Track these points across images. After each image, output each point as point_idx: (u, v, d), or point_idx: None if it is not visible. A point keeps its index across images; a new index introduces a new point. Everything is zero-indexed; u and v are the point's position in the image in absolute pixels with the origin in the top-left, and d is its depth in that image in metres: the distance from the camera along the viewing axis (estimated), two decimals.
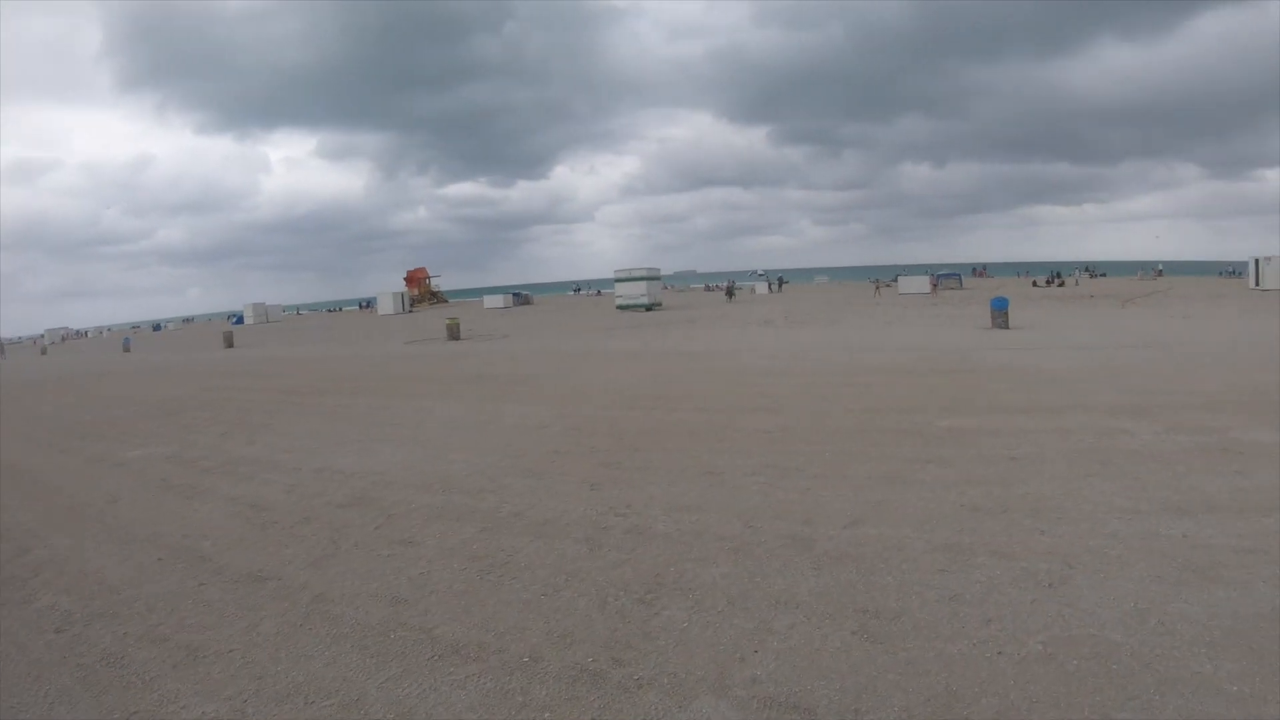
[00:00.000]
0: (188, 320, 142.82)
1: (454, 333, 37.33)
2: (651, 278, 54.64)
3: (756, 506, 7.17)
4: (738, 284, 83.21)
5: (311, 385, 20.54)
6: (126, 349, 54.54)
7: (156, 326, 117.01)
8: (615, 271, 55.72)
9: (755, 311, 44.40)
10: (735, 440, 10.08)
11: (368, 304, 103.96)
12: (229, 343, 46.44)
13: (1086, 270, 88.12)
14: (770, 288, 76.80)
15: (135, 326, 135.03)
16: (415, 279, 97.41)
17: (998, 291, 46.10)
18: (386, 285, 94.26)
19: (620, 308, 52.80)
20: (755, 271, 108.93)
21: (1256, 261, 48.78)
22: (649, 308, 51.70)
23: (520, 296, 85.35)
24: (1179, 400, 11.40)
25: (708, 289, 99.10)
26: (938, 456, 8.65)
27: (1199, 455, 8.19)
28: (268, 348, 41.46)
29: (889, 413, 11.33)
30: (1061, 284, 63.92)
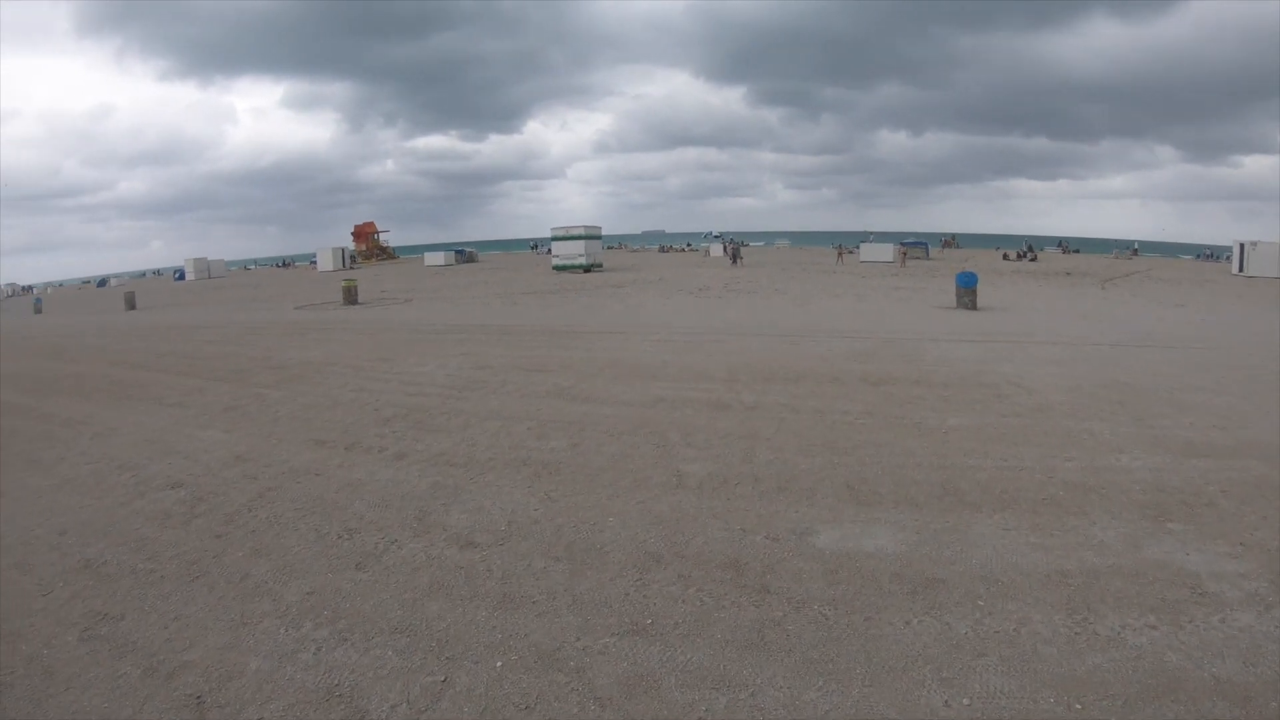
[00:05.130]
0: (141, 275, 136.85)
1: (350, 296, 34.03)
2: (591, 236, 50.54)
3: None
4: (691, 245, 77.42)
5: (99, 374, 16.06)
6: (38, 310, 51.10)
7: (102, 282, 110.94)
8: (552, 230, 51.45)
9: (696, 277, 39.68)
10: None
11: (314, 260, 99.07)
12: (130, 304, 43.77)
13: (1060, 245, 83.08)
14: (725, 250, 70.27)
15: (86, 282, 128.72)
16: (363, 234, 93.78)
17: (966, 264, 41.68)
18: (345, 240, 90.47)
19: (556, 268, 48.98)
20: (710, 233, 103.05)
21: (1241, 246, 45.23)
22: (587, 269, 47.98)
23: (464, 254, 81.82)
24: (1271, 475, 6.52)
25: (662, 250, 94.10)
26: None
27: None
28: (164, 311, 38.21)
29: (737, 495, 6.43)
30: (1034, 258, 59.16)
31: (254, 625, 4.64)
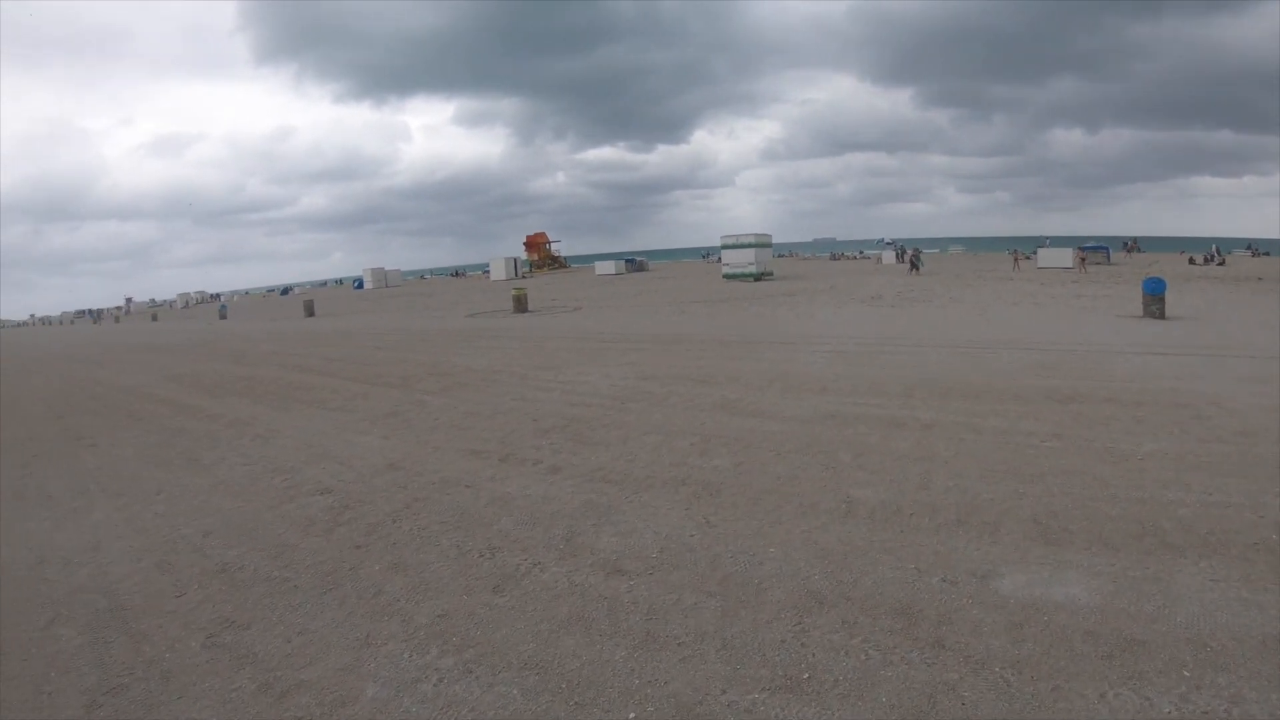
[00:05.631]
0: (322, 284, 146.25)
1: (520, 304, 35.15)
2: (761, 244, 50.16)
3: None
4: (864, 252, 74.84)
5: (270, 378, 16.98)
6: (222, 316, 55.52)
7: (285, 291, 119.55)
8: (722, 238, 51.73)
9: (868, 285, 38.39)
10: None
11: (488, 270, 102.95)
12: (310, 312, 47.35)
13: (1249, 248, 75.15)
14: (898, 258, 67.67)
15: (270, 290, 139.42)
16: (535, 244, 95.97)
17: (1151, 269, 38.53)
18: (517, 250, 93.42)
19: (727, 277, 48.75)
20: (882, 240, 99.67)
21: None
22: (757, 277, 47.42)
23: (634, 263, 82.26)
24: None
25: (833, 257, 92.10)
26: None
27: None
28: (340, 318, 40.42)
29: (911, 526, 5.88)
30: (1222, 263, 53.61)
31: (378, 647, 4.54)
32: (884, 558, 5.21)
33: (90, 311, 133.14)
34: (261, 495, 7.85)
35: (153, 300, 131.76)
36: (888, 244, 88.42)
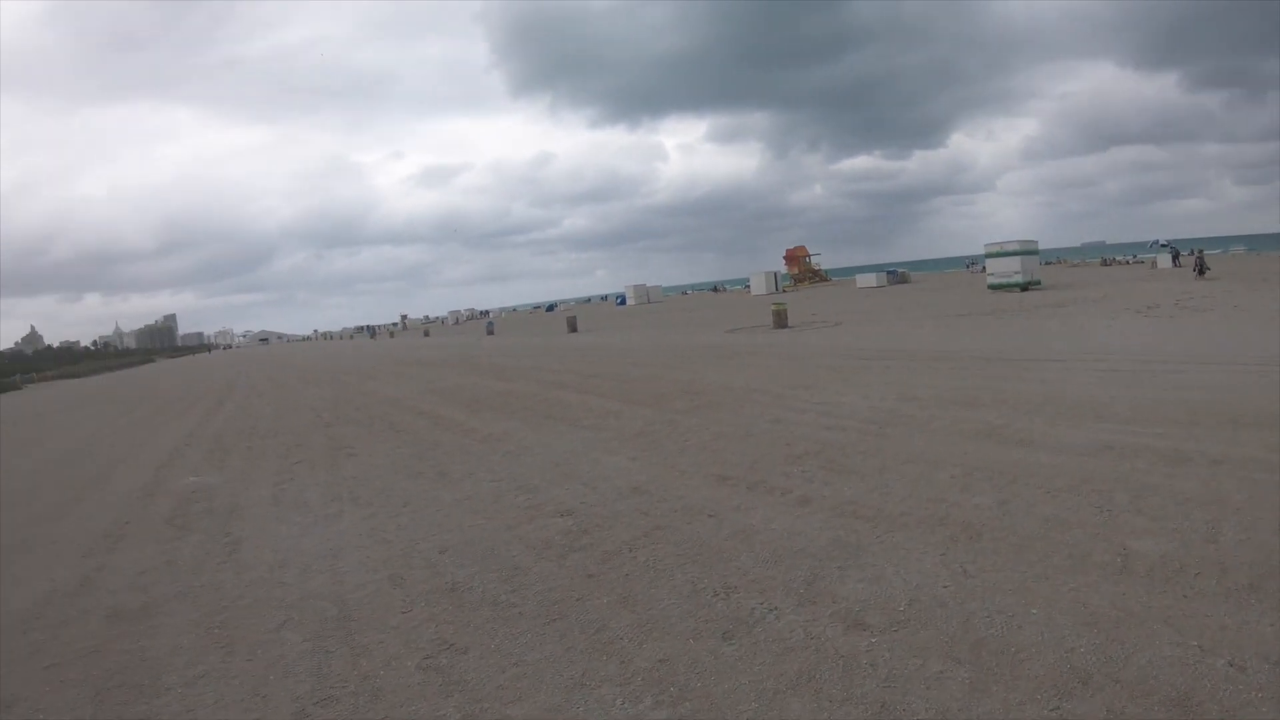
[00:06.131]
0: (586, 300, 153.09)
1: (780, 320, 35.18)
2: (1027, 252, 47.67)
3: None
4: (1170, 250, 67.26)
5: (526, 394, 17.83)
6: (490, 331, 58.56)
7: (550, 307, 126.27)
8: (985, 246, 49.69)
9: (1144, 292, 35.52)
10: None
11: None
12: (572, 328, 48.65)
13: None
14: (1175, 261, 60.94)
15: (536, 307, 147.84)
16: (794, 257, 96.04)
17: None
18: (777, 264, 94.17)
19: (992, 287, 46.64)
20: (1156, 242, 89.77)
21: None
22: (1024, 286, 44.98)
23: (895, 274, 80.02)
24: None
25: (1104, 263, 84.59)
26: None
27: None
28: (601, 334, 41.77)
29: (1196, 590, 5.17)
30: None
31: (591, 689, 4.33)
32: (1162, 629, 4.54)
33: (368, 328, 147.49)
34: (503, 513, 8.09)
35: (426, 317, 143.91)
36: (1162, 245, 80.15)
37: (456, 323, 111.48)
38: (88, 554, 8.37)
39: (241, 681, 4.81)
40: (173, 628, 5.91)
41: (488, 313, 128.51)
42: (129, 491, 11.61)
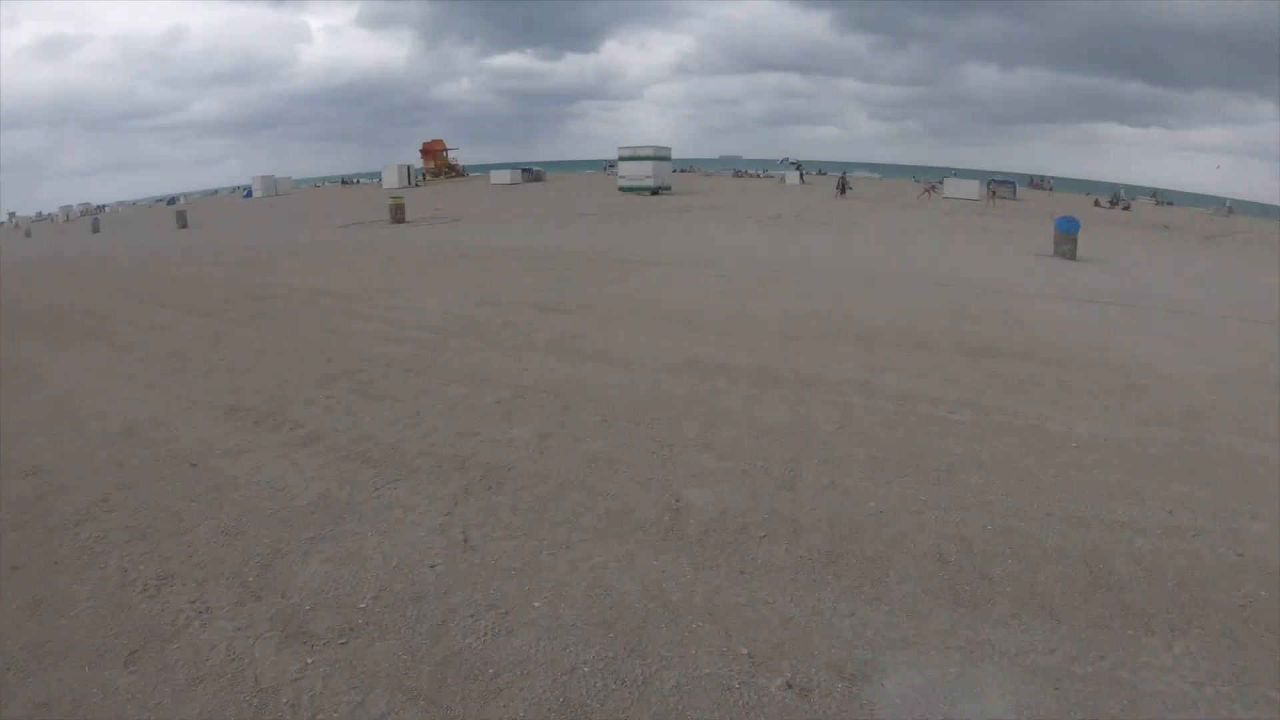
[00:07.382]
0: (213, 193, 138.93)
1: (397, 215, 32.86)
2: (660, 157, 48.02)
3: None
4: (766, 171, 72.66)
5: (80, 305, 14.89)
6: (95, 230, 52.12)
7: (172, 200, 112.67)
8: (619, 150, 49.25)
9: (768, 205, 36.69)
10: None
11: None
12: (182, 223, 44.22)
13: (1154, 196, 76.01)
14: (802, 179, 65.71)
15: (159, 200, 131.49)
16: (432, 151, 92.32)
17: (1058, 208, 37.72)
18: (415, 157, 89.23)
19: (622, 189, 46.61)
20: (786, 160, 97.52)
21: None
22: (654, 191, 45.46)
23: (531, 173, 79.36)
24: None
25: (736, 175, 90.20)
26: None
27: None
28: (212, 230, 37.64)
29: (758, 564, 3.98)
30: (1127, 207, 53.80)
31: None
32: (703, 631, 3.23)
33: None
34: None
35: (39, 214, 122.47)
36: (792, 164, 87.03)
37: (67, 220, 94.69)
38: None
39: None
40: None
41: (103, 208, 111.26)
42: None
